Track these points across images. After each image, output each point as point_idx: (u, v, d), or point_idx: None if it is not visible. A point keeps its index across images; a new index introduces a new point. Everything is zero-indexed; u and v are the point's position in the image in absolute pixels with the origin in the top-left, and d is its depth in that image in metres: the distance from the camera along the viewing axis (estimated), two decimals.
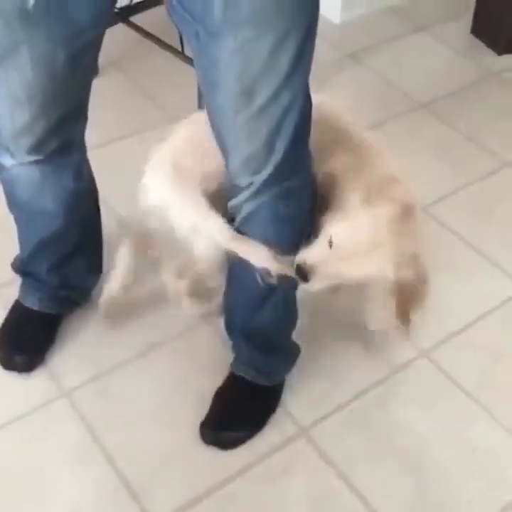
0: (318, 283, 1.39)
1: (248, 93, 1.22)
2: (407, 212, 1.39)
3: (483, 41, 2.79)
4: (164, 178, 1.46)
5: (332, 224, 1.39)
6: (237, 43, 1.16)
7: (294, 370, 1.68)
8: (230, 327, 1.64)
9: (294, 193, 1.37)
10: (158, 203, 1.47)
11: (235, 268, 1.50)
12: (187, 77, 2.28)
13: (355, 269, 1.38)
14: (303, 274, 1.38)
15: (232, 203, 1.39)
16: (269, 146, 1.29)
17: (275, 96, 1.22)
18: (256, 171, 1.32)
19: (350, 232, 1.37)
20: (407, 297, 1.43)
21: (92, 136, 1.61)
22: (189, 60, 2.23)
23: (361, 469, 1.56)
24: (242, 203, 1.37)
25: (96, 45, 1.39)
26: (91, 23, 1.30)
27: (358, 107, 2.45)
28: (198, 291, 1.70)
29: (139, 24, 2.44)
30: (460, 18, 2.89)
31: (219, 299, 1.69)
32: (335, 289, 1.50)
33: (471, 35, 2.83)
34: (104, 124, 2.25)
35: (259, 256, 1.37)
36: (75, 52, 1.32)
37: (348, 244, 1.37)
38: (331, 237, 1.37)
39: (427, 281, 1.43)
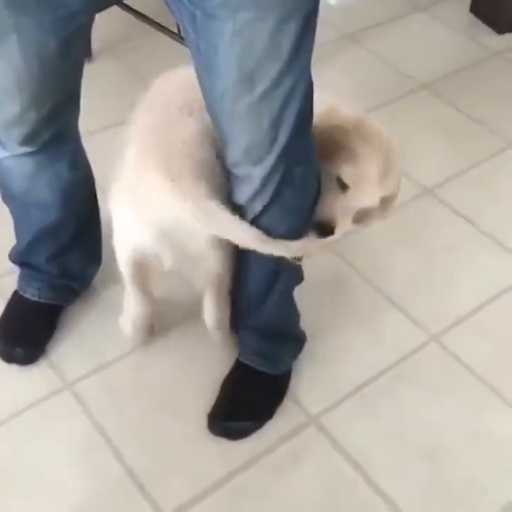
0: (341, 229, 1.40)
1: (248, 79, 1.16)
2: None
3: (482, 20, 2.75)
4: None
5: (335, 166, 1.37)
6: (237, 26, 1.11)
7: (301, 357, 1.65)
8: (236, 318, 1.60)
9: (299, 182, 1.31)
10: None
11: (244, 258, 1.45)
12: (184, 61, 2.22)
13: (367, 200, 1.40)
14: (327, 229, 1.38)
15: (240, 200, 1.32)
16: (271, 134, 1.22)
17: (277, 82, 1.17)
18: (258, 161, 1.25)
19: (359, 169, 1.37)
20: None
21: (85, 123, 1.57)
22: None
23: (373, 456, 1.53)
24: (249, 200, 1.31)
25: (87, 29, 1.35)
26: (82, 7, 1.25)
27: (359, 89, 2.43)
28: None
29: (132, 6, 2.38)
30: None
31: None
32: (359, 222, 1.47)
33: (470, 14, 2.79)
34: (98, 111, 2.20)
35: (288, 250, 1.33)
36: (65, 39, 1.27)
37: (359, 180, 1.37)
38: (339, 178, 1.37)
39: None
